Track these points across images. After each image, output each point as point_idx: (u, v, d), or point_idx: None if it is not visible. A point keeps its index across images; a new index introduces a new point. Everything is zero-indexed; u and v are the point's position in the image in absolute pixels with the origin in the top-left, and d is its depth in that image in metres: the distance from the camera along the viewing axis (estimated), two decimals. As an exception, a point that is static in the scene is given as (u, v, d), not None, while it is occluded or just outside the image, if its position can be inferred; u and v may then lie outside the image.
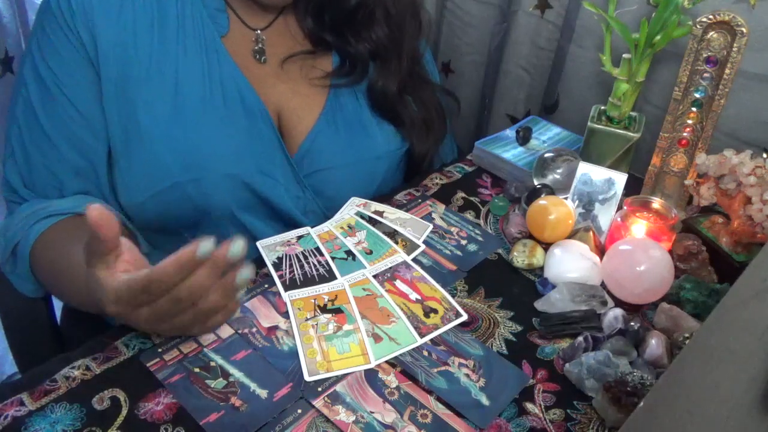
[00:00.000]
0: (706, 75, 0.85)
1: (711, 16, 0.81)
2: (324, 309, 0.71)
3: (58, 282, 0.75)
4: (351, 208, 0.87)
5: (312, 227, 0.83)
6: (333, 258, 0.78)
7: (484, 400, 0.63)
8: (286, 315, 0.70)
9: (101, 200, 0.81)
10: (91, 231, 0.55)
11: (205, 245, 0.56)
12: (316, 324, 0.69)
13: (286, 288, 0.73)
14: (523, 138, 1.03)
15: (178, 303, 0.59)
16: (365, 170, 0.90)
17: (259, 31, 0.85)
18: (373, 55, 0.89)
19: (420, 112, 0.95)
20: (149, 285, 0.57)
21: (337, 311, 0.71)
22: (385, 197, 0.91)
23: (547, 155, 0.93)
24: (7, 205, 0.83)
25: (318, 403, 0.61)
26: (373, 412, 0.61)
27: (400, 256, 0.79)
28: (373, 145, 0.90)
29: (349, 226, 0.83)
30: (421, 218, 0.87)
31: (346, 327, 0.69)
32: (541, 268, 0.80)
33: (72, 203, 0.78)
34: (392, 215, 0.86)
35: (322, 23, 0.87)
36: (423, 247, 0.81)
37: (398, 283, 0.75)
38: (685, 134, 0.89)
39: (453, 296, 0.75)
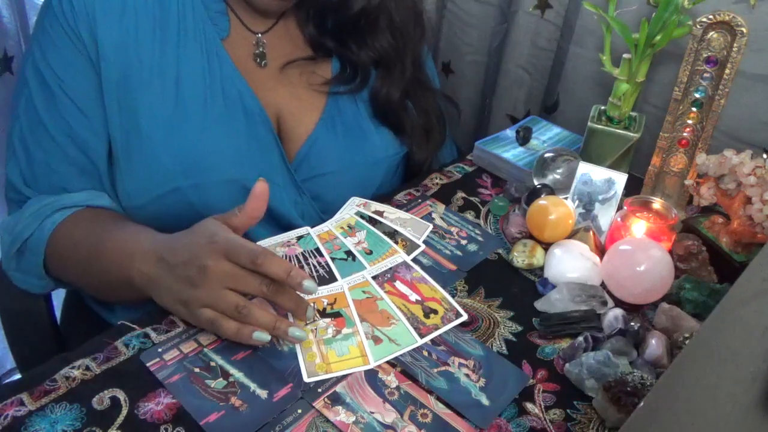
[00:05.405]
0: (706, 75, 0.85)
1: (711, 16, 0.81)
2: (323, 313, 0.70)
3: (84, 264, 0.75)
4: (351, 208, 0.87)
5: (312, 227, 0.83)
6: (333, 259, 0.78)
7: (484, 400, 0.63)
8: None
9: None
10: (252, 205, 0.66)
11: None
12: (315, 328, 0.69)
13: (286, 288, 0.73)
14: (523, 138, 1.03)
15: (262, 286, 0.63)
16: (363, 175, 0.90)
17: (259, 35, 0.85)
18: (376, 63, 0.89)
19: (420, 118, 0.94)
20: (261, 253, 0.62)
21: (336, 315, 0.70)
22: (385, 197, 0.91)
23: (547, 155, 0.93)
24: (8, 204, 0.83)
25: (318, 403, 0.61)
26: (373, 413, 0.61)
27: (400, 256, 0.79)
28: (371, 149, 0.90)
29: (348, 226, 0.83)
30: (421, 218, 0.87)
31: (345, 331, 0.69)
32: (541, 268, 0.80)
33: (84, 196, 0.78)
34: (392, 215, 0.86)
35: (324, 29, 0.87)
36: (423, 247, 0.81)
37: (398, 284, 0.75)
38: (685, 134, 0.89)
39: (453, 296, 0.75)
